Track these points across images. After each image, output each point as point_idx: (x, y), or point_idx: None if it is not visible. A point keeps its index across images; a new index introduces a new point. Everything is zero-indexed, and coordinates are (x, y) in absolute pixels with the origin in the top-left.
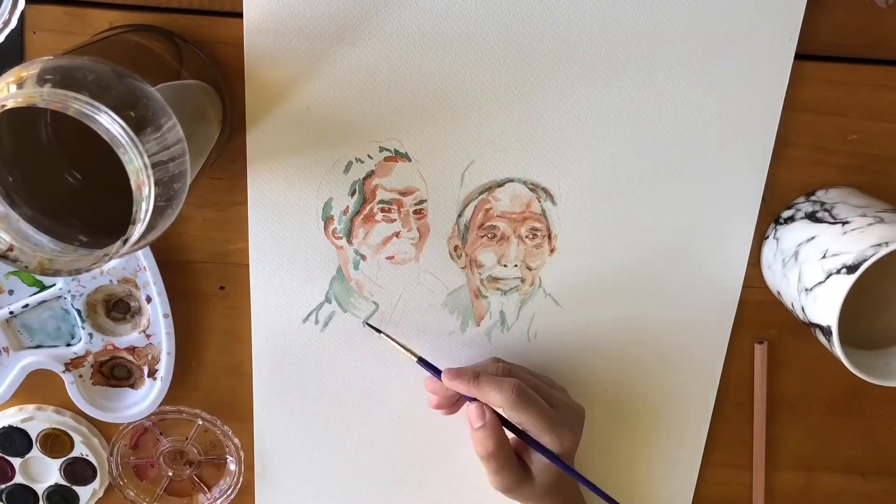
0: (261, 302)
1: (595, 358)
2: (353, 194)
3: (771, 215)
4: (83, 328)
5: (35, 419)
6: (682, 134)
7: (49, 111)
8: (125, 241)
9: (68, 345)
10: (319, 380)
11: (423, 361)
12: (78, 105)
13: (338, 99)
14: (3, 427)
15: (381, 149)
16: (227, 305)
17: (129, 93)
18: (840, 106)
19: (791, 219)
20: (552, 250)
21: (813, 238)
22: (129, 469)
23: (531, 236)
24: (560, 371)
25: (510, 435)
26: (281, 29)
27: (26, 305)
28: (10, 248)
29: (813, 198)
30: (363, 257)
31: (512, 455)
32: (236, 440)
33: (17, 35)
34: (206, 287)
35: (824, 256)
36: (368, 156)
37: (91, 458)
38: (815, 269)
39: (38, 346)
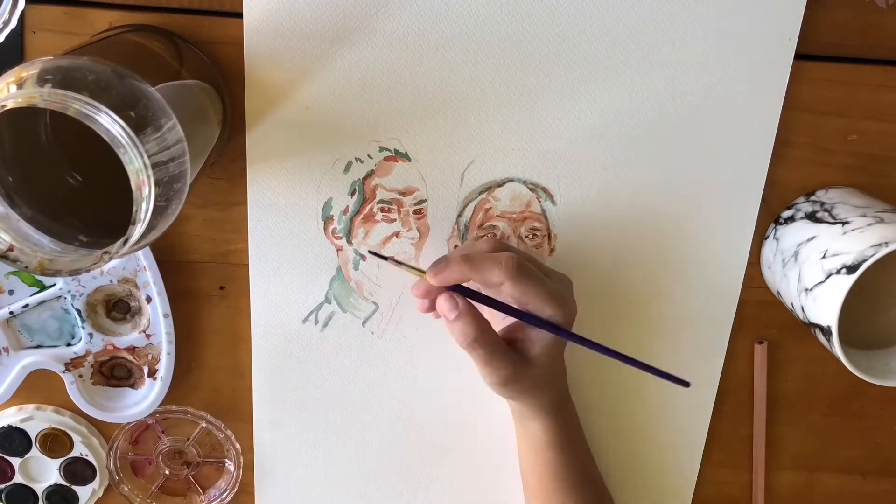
0: (261, 302)
1: (595, 358)
2: (352, 194)
3: (771, 215)
4: (83, 328)
5: (34, 419)
6: (681, 134)
7: (49, 111)
8: (125, 241)
9: (68, 345)
10: (319, 380)
11: (417, 270)
12: (78, 105)
13: (338, 99)
14: (3, 427)
15: (381, 148)
16: (227, 305)
17: (129, 93)
18: (840, 106)
19: (791, 219)
20: (552, 250)
21: (813, 238)
22: (127, 464)
23: (531, 236)
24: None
25: (501, 322)
26: (281, 29)
27: (26, 305)
28: (10, 248)
29: (813, 198)
30: (363, 257)
31: (500, 341)
32: (237, 445)
33: (17, 35)
34: (206, 287)
35: (824, 256)
36: (368, 155)
37: (90, 458)
38: (815, 269)
39: (38, 346)
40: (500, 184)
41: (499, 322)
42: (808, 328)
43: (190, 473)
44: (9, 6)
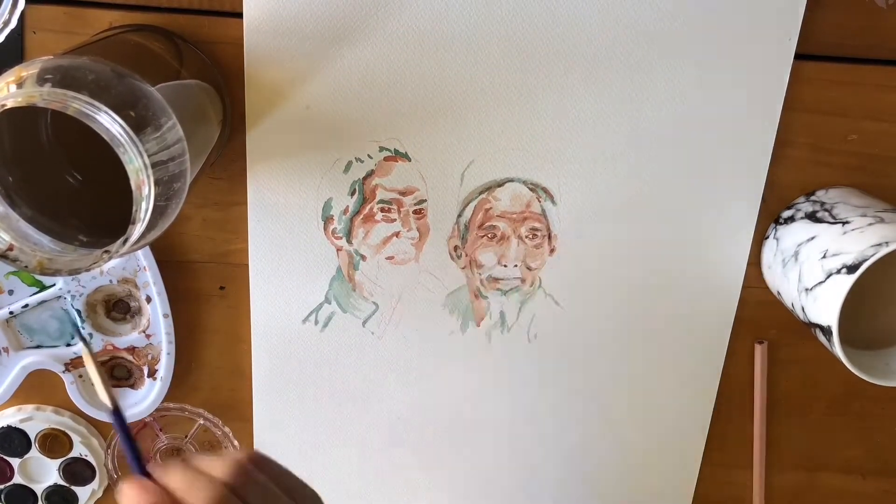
0: (261, 302)
1: (595, 358)
2: (352, 194)
3: (771, 215)
4: (83, 328)
5: (34, 419)
6: (681, 134)
7: (49, 111)
8: (125, 241)
9: (68, 345)
10: (319, 380)
11: (117, 415)
12: (78, 105)
13: (338, 99)
14: (2, 427)
15: (381, 148)
16: (227, 305)
17: (129, 93)
18: (840, 106)
19: (791, 219)
20: (552, 250)
21: (813, 238)
22: (125, 461)
23: (531, 236)
24: (560, 371)
25: None
26: (281, 29)
27: (26, 305)
28: (10, 248)
29: (813, 198)
30: (363, 257)
31: None
32: (236, 442)
33: (17, 35)
34: (206, 287)
35: (824, 256)
36: (368, 155)
37: (90, 459)
38: (815, 269)
39: (38, 346)
40: (500, 184)
41: None
42: (808, 328)
43: None
44: (9, 6)
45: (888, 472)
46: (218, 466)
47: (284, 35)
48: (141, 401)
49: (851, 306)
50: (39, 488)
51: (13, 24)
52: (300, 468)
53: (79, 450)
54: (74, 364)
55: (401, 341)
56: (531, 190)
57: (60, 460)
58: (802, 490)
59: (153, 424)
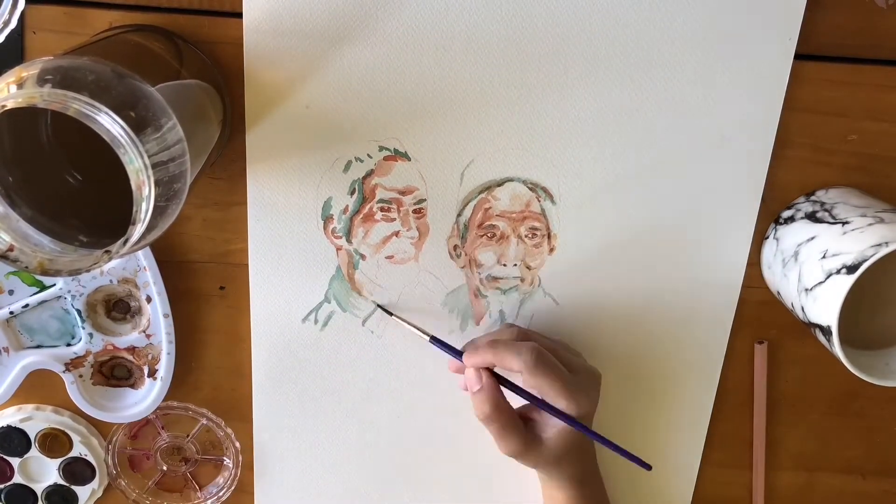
0: (260, 302)
1: (594, 357)
2: (352, 193)
3: (771, 215)
4: (83, 328)
5: (34, 419)
6: (681, 134)
7: (49, 111)
8: (125, 241)
9: (68, 345)
10: (319, 379)
11: (436, 340)
12: (78, 105)
13: (337, 98)
14: (2, 427)
15: (381, 148)
16: (227, 305)
17: (129, 93)
18: (840, 106)
19: (791, 219)
20: (551, 250)
21: (813, 238)
22: (125, 459)
23: (531, 235)
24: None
25: (518, 401)
26: (281, 29)
27: (26, 305)
28: (10, 248)
29: (813, 198)
30: (363, 257)
31: (514, 417)
32: (237, 444)
33: (17, 35)
34: (206, 287)
35: (824, 256)
36: (368, 155)
37: (90, 458)
38: (815, 269)
39: (39, 346)
40: (500, 183)
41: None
42: (808, 328)
43: (188, 470)
44: (9, 6)
45: (888, 472)
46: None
47: (284, 35)
48: (141, 400)
49: (851, 306)
50: (39, 488)
51: (13, 24)
52: (300, 467)
53: (78, 449)
54: (74, 364)
55: (400, 340)
56: (531, 189)
57: (60, 460)
58: (802, 490)
59: (155, 422)
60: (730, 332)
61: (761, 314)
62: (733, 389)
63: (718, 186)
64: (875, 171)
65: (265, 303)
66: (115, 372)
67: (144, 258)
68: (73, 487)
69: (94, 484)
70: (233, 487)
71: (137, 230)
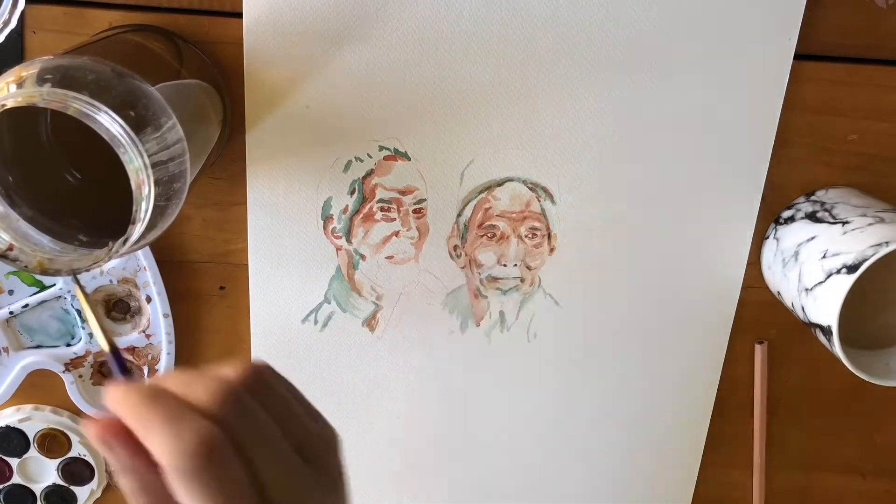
0: (260, 302)
1: (595, 357)
2: (352, 193)
3: (771, 215)
4: (83, 328)
5: (32, 419)
6: (681, 133)
7: (49, 111)
8: (125, 241)
9: (68, 345)
10: (319, 380)
11: (115, 354)
12: (78, 105)
13: (337, 98)
14: (1, 427)
15: (381, 148)
16: (227, 305)
17: (129, 93)
18: (840, 106)
19: (791, 219)
20: (552, 250)
21: (813, 238)
22: None
23: (531, 236)
24: (559, 371)
25: None
26: (281, 29)
27: (26, 305)
28: (10, 248)
29: (813, 198)
30: (363, 257)
31: None
32: None
33: (17, 35)
34: (206, 287)
35: (824, 256)
36: (368, 155)
37: (89, 459)
38: (815, 269)
39: (38, 346)
40: (500, 183)
41: None
42: (808, 328)
43: None
44: (9, 6)
45: (888, 472)
46: (226, 369)
47: (284, 35)
48: None
49: (851, 306)
50: (38, 488)
51: (13, 24)
52: None
53: (77, 450)
54: (74, 364)
55: (400, 341)
56: (531, 189)
57: (59, 460)
58: (802, 490)
59: None
60: (730, 332)
61: (761, 314)
62: (733, 389)
63: (718, 186)
64: (875, 171)
65: (265, 303)
66: None
67: (144, 258)
68: (72, 488)
69: (93, 484)
70: None
71: (137, 230)
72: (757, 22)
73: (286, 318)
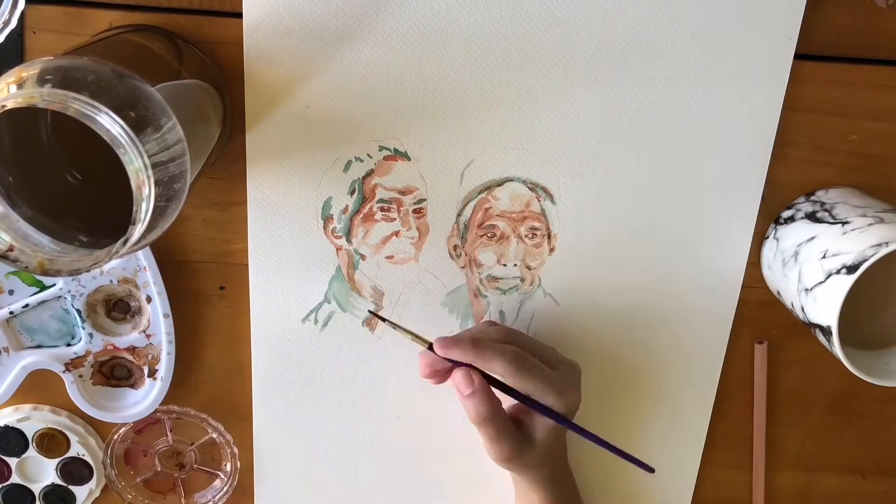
0: (260, 302)
1: (594, 357)
2: (352, 193)
3: (771, 215)
4: (83, 328)
5: (31, 419)
6: (681, 133)
7: (49, 111)
8: (125, 242)
9: (68, 345)
10: (319, 379)
11: (420, 339)
12: (78, 105)
13: (337, 98)
14: (0, 427)
15: (381, 148)
16: (227, 305)
17: (129, 93)
18: (840, 106)
19: (791, 219)
20: (552, 250)
21: (813, 238)
22: (123, 449)
23: (531, 235)
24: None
25: (506, 401)
26: (281, 29)
27: (26, 305)
28: (10, 248)
29: (813, 198)
30: (363, 257)
31: (507, 420)
32: (238, 463)
33: (17, 35)
34: (206, 287)
35: (824, 256)
36: (368, 155)
37: (87, 458)
38: (815, 269)
39: (39, 346)
40: (500, 183)
41: (505, 398)
42: (808, 328)
43: (180, 477)
44: (9, 6)
45: (888, 472)
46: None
47: (284, 35)
48: (141, 400)
49: (851, 306)
50: (37, 488)
51: (13, 24)
52: (300, 467)
53: (76, 449)
54: (74, 364)
55: (400, 340)
56: (531, 189)
57: (58, 460)
58: (802, 490)
59: (165, 422)
60: (730, 332)
61: (761, 314)
62: (733, 389)
63: (718, 186)
64: (875, 171)
65: (265, 303)
66: (115, 372)
67: (144, 258)
68: (70, 487)
69: (92, 484)
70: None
71: (137, 230)
72: (757, 22)
73: (286, 318)
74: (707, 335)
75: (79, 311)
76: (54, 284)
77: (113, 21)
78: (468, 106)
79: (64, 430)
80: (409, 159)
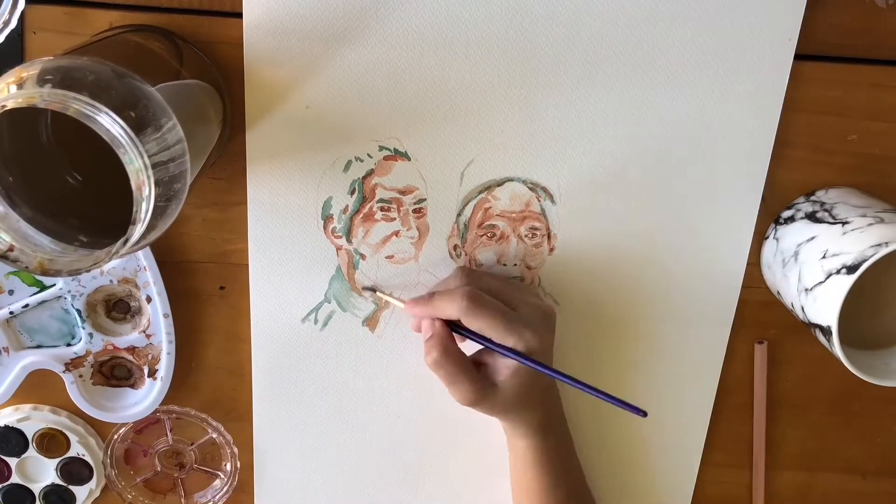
0: (260, 302)
1: (594, 357)
2: (352, 193)
3: (771, 215)
4: (83, 328)
5: (31, 419)
6: (681, 134)
7: (49, 111)
8: (125, 242)
9: (68, 345)
10: (318, 379)
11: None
12: (78, 105)
13: (337, 98)
14: (0, 427)
15: (381, 147)
16: (227, 305)
17: (129, 93)
18: (840, 106)
19: (791, 219)
20: (551, 249)
21: (813, 238)
22: (123, 449)
23: (530, 235)
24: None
25: (473, 347)
26: (281, 29)
27: (26, 305)
28: (11, 249)
29: (813, 198)
30: (363, 256)
31: (465, 363)
32: (238, 463)
33: (17, 35)
34: (206, 287)
35: (824, 256)
36: (368, 154)
37: (87, 458)
38: (815, 269)
39: (39, 346)
40: (500, 183)
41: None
42: (808, 328)
43: (180, 476)
44: (9, 6)
45: (888, 472)
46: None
47: (284, 35)
48: (141, 400)
49: (851, 306)
50: (37, 488)
51: (13, 24)
52: (300, 467)
53: (76, 449)
54: (74, 364)
55: (401, 341)
56: (531, 189)
57: (58, 460)
58: (802, 490)
59: (165, 422)
60: (730, 332)
61: (761, 314)
62: (733, 389)
63: (718, 186)
64: (875, 171)
65: (265, 303)
66: (115, 372)
67: (144, 258)
68: (70, 487)
69: (92, 484)
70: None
71: (137, 230)
72: (757, 22)
73: (286, 318)
74: (707, 335)
75: (79, 311)
76: (54, 284)
77: (113, 21)
78: (468, 106)
79: (64, 430)
80: (409, 159)
